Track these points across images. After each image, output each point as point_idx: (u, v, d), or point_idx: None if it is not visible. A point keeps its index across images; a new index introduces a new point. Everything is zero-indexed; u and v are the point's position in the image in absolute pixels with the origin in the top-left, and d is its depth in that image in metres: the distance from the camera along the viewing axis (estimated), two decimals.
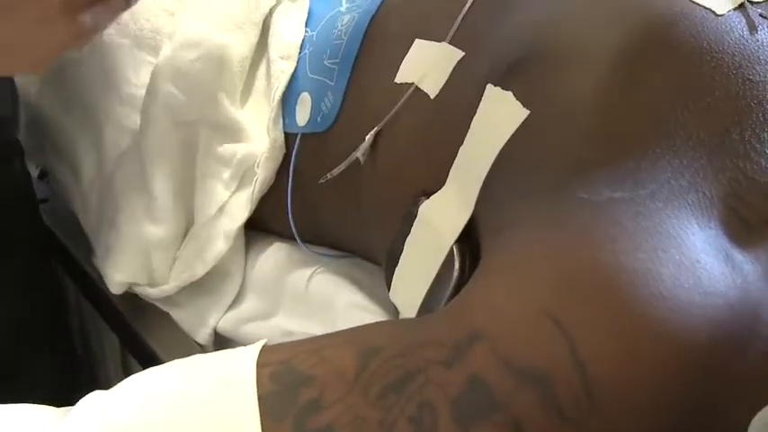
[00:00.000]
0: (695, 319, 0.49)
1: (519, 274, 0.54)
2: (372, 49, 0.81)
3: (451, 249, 0.63)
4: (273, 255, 0.91)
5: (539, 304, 0.51)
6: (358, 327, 0.58)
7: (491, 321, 0.52)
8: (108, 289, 0.95)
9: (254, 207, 0.89)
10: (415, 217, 0.67)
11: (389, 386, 0.51)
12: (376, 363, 0.52)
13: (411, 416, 0.50)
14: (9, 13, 0.69)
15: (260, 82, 0.92)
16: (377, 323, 0.58)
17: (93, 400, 0.56)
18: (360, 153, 0.76)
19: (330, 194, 0.82)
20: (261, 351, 0.56)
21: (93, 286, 1.03)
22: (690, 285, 0.50)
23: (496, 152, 0.62)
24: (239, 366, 0.55)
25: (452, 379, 0.50)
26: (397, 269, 0.69)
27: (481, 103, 0.64)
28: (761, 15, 0.63)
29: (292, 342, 0.57)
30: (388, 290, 0.70)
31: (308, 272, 0.86)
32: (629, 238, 0.52)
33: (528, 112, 0.61)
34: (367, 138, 0.75)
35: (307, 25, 0.90)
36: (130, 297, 0.97)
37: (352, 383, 0.52)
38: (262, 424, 0.52)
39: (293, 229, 0.86)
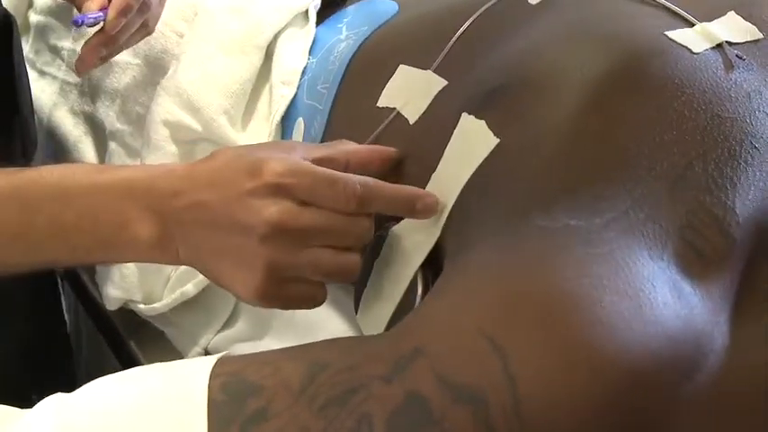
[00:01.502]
0: (631, 346, 0.52)
1: (463, 294, 0.57)
2: (359, 75, 0.85)
3: (416, 274, 0.66)
4: None
5: (477, 323, 0.53)
6: (310, 343, 0.61)
7: (432, 339, 0.54)
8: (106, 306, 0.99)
9: None
10: (385, 240, 0.70)
11: (333, 399, 0.54)
12: (323, 377, 0.55)
13: (350, 428, 0.53)
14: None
15: (262, 106, 0.97)
16: (329, 340, 0.61)
17: (52, 402, 0.59)
18: None
19: None
20: (216, 362, 0.59)
21: (93, 302, 1.07)
22: (630, 314, 0.53)
23: (465, 180, 0.65)
24: (193, 376, 0.58)
25: (391, 394, 0.53)
26: (364, 292, 0.72)
27: (455, 130, 0.68)
28: (737, 56, 0.66)
29: (248, 354, 0.60)
30: (356, 312, 0.73)
31: None
32: (575, 264, 0.55)
33: (498, 140, 0.64)
34: None
35: (310, 52, 0.94)
36: (127, 315, 1.01)
37: (298, 395, 0.55)
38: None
39: None
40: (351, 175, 0.68)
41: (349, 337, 0.65)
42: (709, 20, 0.69)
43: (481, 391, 0.51)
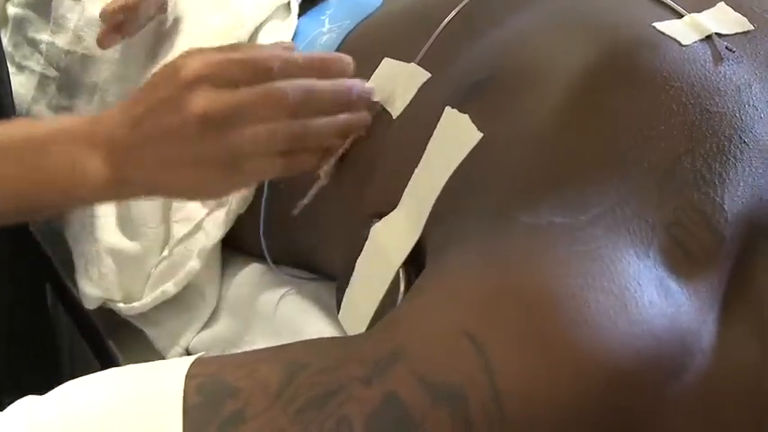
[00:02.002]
0: (615, 345, 0.51)
1: (444, 292, 0.56)
2: None
3: (398, 272, 0.66)
4: (248, 275, 0.94)
5: (458, 323, 0.53)
6: (288, 344, 0.60)
7: (411, 339, 0.54)
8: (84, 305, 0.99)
9: (230, 226, 0.92)
10: (367, 238, 0.70)
11: (311, 401, 0.54)
12: (301, 378, 0.55)
13: (329, 431, 0.53)
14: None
15: None
16: (307, 340, 0.61)
17: (24, 404, 0.59)
18: (323, 173, 0.79)
19: (300, 215, 0.84)
20: (193, 363, 0.58)
21: (73, 301, 1.06)
22: (615, 313, 0.52)
23: (447, 176, 0.64)
24: (168, 377, 0.57)
25: (370, 396, 0.52)
26: (346, 291, 0.71)
27: (438, 125, 0.67)
28: (727, 48, 0.65)
29: (224, 355, 0.60)
30: (338, 311, 0.73)
31: (278, 294, 0.89)
32: (560, 262, 0.54)
33: (481, 135, 0.64)
34: (332, 158, 0.78)
35: None
36: (107, 314, 1.00)
37: (276, 397, 0.54)
38: None
39: (264, 250, 0.89)
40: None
41: (328, 338, 0.64)
42: (699, 10, 0.68)
43: (460, 387, 0.51)
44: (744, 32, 0.67)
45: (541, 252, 0.55)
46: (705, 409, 0.55)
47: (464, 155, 0.64)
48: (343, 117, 0.76)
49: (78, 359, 1.24)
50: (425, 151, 0.67)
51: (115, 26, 0.96)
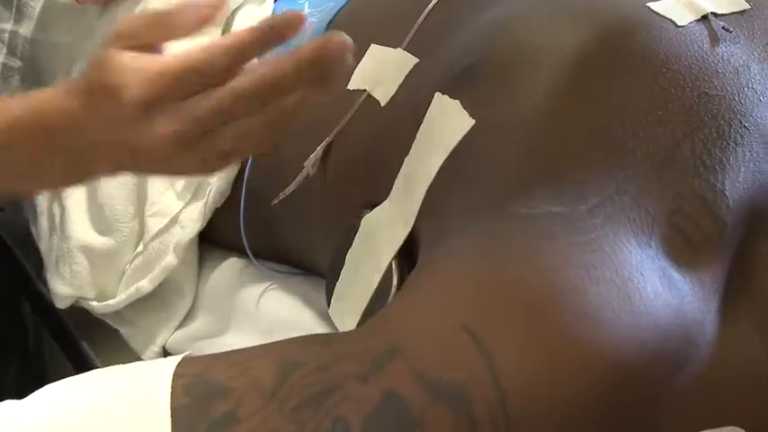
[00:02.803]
0: (619, 338, 0.51)
1: (441, 288, 0.55)
2: None
3: (390, 264, 0.65)
4: (227, 270, 0.93)
5: (457, 318, 0.52)
6: (280, 341, 0.59)
7: (409, 336, 0.53)
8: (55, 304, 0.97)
9: (207, 219, 0.91)
10: (357, 230, 0.69)
11: (307, 401, 0.53)
12: (295, 376, 0.54)
13: (325, 431, 0.52)
14: None
15: None
16: (300, 337, 0.60)
17: (4, 408, 0.57)
18: (310, 164, 0.78)
19: (283, 208, 0.84)
20: (179, 363, 0.57)
21: (43, 301, 1.05)
22: (618, 304, 0.52)
23: (439, 163, 0.63)
24: (155, 378, 0.56)
25: (368, 394, 0.52)
26: (337, 284, 0.70)
27: (428, 111, 0.66)
28: (723, 28, 0.65)
29: (213, 354, 0.59)
30: (328, 305, 0.72)
31: (259, 289, 0.88)
32: (559, 253, 0.54)
33: (473, 121, 0.63)
34: (318, 149, 0.77)
35: None
36: (81, 313, 0.99)
37: (270, 397, 0.54)
38: None
39: (245, 244, 0.88)
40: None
41: (321, 334, 0.64)
42: None
43: (463, 386, 0.50)
44: (740, 12, 0.67)
45: (540, 243, 0.55)
46: (708, 400, 0.55)
47: (456, 142, 0.63)
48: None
49: (48, 360, 1.23)
50: (416, 139, 0.67)
51: None
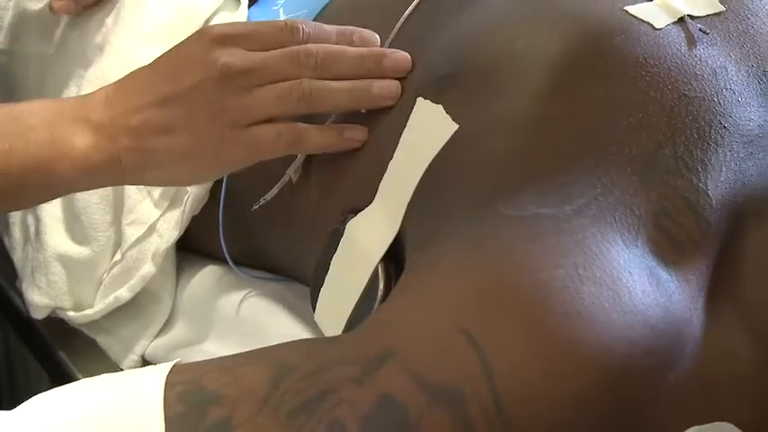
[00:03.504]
0: (611, 337, 0.52)
1: (433, 290, 0.56)
2: None
3: (376, 268, 0.65)
4: (205, 278, 0.93)
5: (451, 320, 0.53)
6: (272, 346, 0.60)
7: (403, 338, 0.54)
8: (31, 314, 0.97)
9: (185, 227, 0.91)
10: (342, 235, 0.69)
11: (301, 405, 0.53)
12: (288, 382, 0.54)
13: None
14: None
15: None
16: (291, 342, 0.60)
17: None
18: (292, 171, 0.78)
19: (263, 214, 0.84)
20: (171, 370, 0.58)
21: (17, 312, 1.04)
22: (609, 304, 0.53)
23: (424, 167, 0.64)
24: (147, 386, 0.57)
25: (363, 397, 0.52)
26: (322, 289, 0.71)
27: (411, 116, 0.67)
28: (700, 30, 0.66)
29: (204, 361, 0.59)
30: (314, 311, 0.73)
31: (239, 296, 0.89)
32: (549, 254, 0.55)
33: (457, 126, 0.64)
34: (298, 156, 0.78)
35: None
36: (57, 323, 0.98)
37: (263, 403, 0.54)
38: None
39: (224, 251, 0.89)
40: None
41: (313, 339, 0.64)
42: None
43: (458, 386, 0.51)
44: (715, 14, 0.68)
45: (529, 243, 0.56)
46: (697, 396, 0.56)
47: (440, 146, 0.64)
48: (362, 82, 0.74)
49: (19, 372, 1.22)
50: (399, 143, 0.67)
51: None
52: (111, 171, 0.75)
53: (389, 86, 0.73)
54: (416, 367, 0.52)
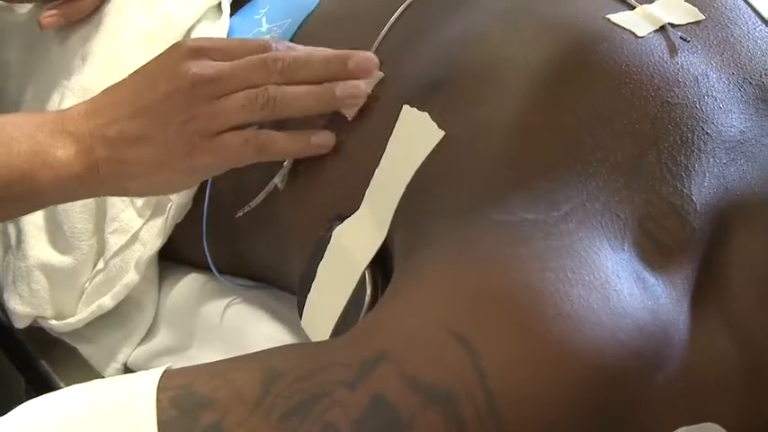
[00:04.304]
0: (601, 339, 0.53)
1: (424, 294, 0.57)
2: None
3: (363, 274, 0.66)
4: (188, 285, 0.93)
5: (443, 322, 0.54)
6: (263, 350, 0.60)
7: (396, 341, 0.55)
8: (12, 323, 0.97)
9: (168, 235, 0.91)
10: (329, 241, 0.70)
11: (293, 409, 0.54)
12: (279, 386, 0.55)
13: None
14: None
15: None
16: (282, 346, 0.61)
17: None
18: (279, 179, 0.79)
19: (248, 222, 0.84)
20: (162, 376, 0.58)
21: None
22: (598, 306, 0.54)
23: (411, 174, 0.65)
24: (139, 391, 0.57)
25: (355, 400, 0.53)
26: (309, 296, 0.72)
27: (397, 124, 0.68)
28: (681, 38, 0.67)
29: (195, 366, 0.59)
30: (300, 317, 0.73)
31: (223, 303, 0.89)
32: (537, 257, 0.56)
33: (443, 133, 0.65)
34: (285, 164, 0.78)
35: None
36: (38, 332, 0.98)
37: (254, 407, 0.54)
38: None
39: (208, 259, 0.89)
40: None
41: (304, 343, 0.65)
42: (650, 1, 0.70)
43: (451, 388, 0.52)
44: (696, 22, 0.69)
45: (518, 247, 0.57)
46: (684, 398, 0.57)
47: (426, 154, 0.65)
48: (326, 85, 0.75)
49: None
50: (386, 151, 0.68)
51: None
52: (91, 181, 0.77)
53: (351, 87, 0.75)
54: (409, 369, 0.53)
